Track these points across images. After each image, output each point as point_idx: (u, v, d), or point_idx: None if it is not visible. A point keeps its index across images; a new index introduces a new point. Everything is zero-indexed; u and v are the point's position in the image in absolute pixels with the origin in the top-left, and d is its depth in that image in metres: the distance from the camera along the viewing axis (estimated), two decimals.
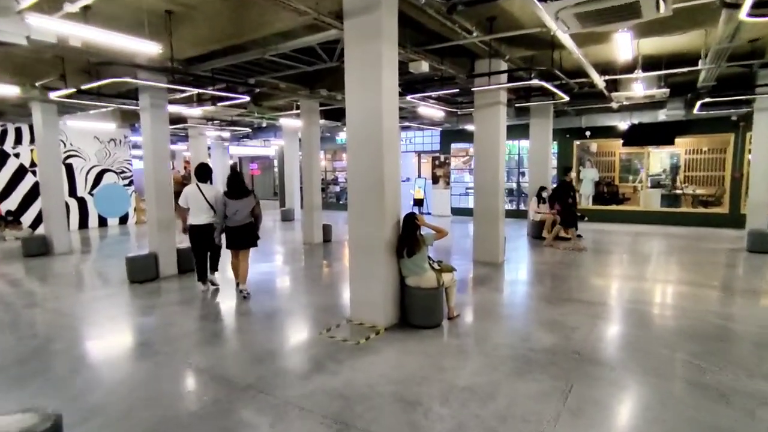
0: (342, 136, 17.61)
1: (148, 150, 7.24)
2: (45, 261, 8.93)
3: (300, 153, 17.40)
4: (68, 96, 7.60)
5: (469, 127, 13.76)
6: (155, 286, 6.80)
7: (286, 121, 13.01)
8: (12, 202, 12.48)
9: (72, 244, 10.74)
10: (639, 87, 8.11)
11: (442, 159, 16.23)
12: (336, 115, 13.14)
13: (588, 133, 13.21)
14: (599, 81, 7.68)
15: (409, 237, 4.80)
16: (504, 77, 7.53)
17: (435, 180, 16.36)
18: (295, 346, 4.55)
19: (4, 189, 12.38)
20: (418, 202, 16.64)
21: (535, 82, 7.02)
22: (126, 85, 7.92)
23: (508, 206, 15.83)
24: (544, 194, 10.78)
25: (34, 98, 9.25)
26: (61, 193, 10.05)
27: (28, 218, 12.73)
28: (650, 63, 7.84)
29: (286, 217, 15.14)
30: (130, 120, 13.39)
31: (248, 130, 14.17)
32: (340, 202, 19.41)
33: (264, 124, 14.35)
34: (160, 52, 4.88)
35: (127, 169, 14.87)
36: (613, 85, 8.72)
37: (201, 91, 7.16)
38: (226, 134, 15.80)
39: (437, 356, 4.06)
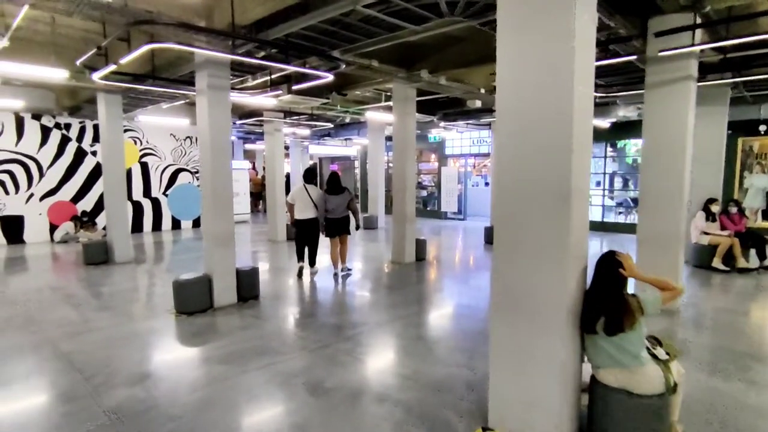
0: (435, 133, 15.52)
1: (204, 144, 5.68)
2: (99, 272, 7.80)
3: (388, 152, 15.74)
4: (117, 78, 6.29)
5: (628, 115, 11.08)
6: (207, 321, 5.18)
7: (373, 115, 11.22)
8: (88, 203, 11.88)
9: (135, 251, 9.71)
10: None
11: None
12: (430, 107, 11.11)
13: (764, 128, 10.03)
14: None
15: (608, 297, 2.64)
16: (698, 38, 5.08)
17: None
18: None
19: (80, 189, 11.81)
20: None
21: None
22: (186, 67, 6.49)
23: (621, 219, 12.90)
24: (715, 208, 7.96)
25: (99, 89, 8.23)
26: (124, 195, 8.99)
27: (103, 220, 12.09)
28: None
29: (369, 224, 13.36)
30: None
31: (330, 126, 12.58)
32: (427, 209, 17.39)
33: (347, 120, 12.70)
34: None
35: None
36: None
37: (273, 65, 5.41)
38: (306, 132, 14.38)
39: None
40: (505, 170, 2.77)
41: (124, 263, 8.50)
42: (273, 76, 7.59)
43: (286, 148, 18.74)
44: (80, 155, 11.76)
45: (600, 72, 7.00)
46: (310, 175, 7.36)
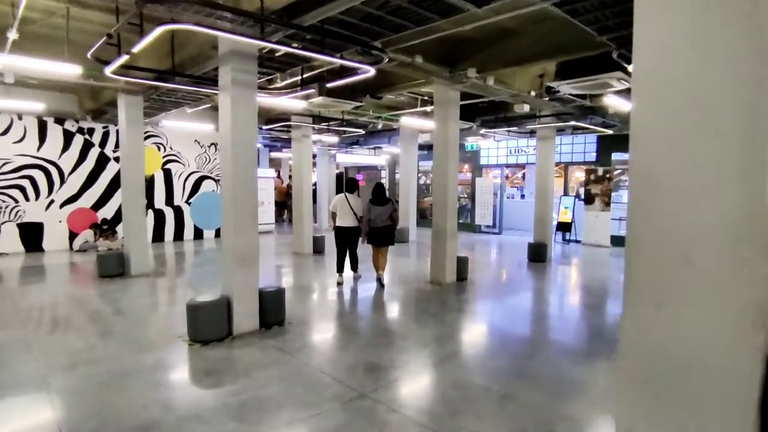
0: (472, 141, 14.59)
1: (226, 148, 4.98)
2: (113, 287, 7.18)
3: (420, 161, 14.94)
4: (134, 75, 5.68)
5: None
6: (223, 353, 4.42)
7: (408, 121, 10.45)
8: (109, 210, 11.42)
9: (154, 263, 9.12)
10: None
11: (600, 173, 12.56)
12: (469, 112, 10.26)
13: None
14: None
15: None
16: None
17: (589, 199, 12.72)
18: None
19: (101, 196, 11.37)
20: (564, 227, 13.11)
21: None
22: (209, 63, 5.84)
23: None
24: None
25: (119, 89, 7.70)
26: (142, 203, 8.41)
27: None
28: None
29: (400, 237, 12.47)
30: None
31: (361, 132, 11.87)
32: (460, 221, 16.45)
33: (379, 126, 11.97)
34: None
35: None
36: None
37: (307, 54, 4.65)
38: (334, 139, 13.73)
39: None
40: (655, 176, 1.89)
41: (141, 276, 7.88)
42: (304, 75, 6.91)
43: (313, 156, 18.17)
44: (103, 161, 11.33)
45: None
46: (351, 184, 7.65)
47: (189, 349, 4.52)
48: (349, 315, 5.94)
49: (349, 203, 7.35)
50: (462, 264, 7.78)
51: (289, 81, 7.53)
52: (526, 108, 8.54)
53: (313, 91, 6.79)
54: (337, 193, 7.19)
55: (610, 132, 10.19)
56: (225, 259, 5.09)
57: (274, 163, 23.76)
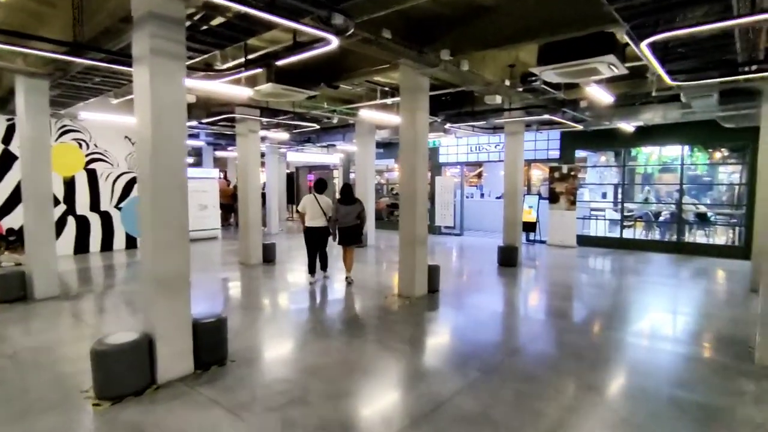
0: (434, 137, 13.75)
1: (144, 138, 3.79)
2: (8, 315, 5.75)
3: (378, 159, 13.99)
4: (27, 44, 4.39)
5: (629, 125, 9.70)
6: (140, 416, 3.27)
7: (367, 114, 9.48)
8: (16, 218, 9.68)
9: (69, 280, 7.66)
10: None
11: (564, 170, 12.14)
12: (431, 106, 9.40)
13: None
14: None
15: None
16: None
17: (553, 198, 12.27)
18: None
19: (6, 201, 9.64)
20: (529, 227, 12.61)
21: None
22: (127, 36, 4.63)
23: (655, 236, 11.42)
24: None
25: (17, 71, 6.27)
26: (48, 210, 6.93)
27: None
28: None
29: None
30: None
31: (314, 127, 10.74)
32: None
33: (335, 120, 10.92)
34: None
35: None
36: None
37: (253, 13, 3.52)
38: (284, 136, 12.53)
39: None
40: None
41: (48, 300, 6.46)
42: (249, 56, 5.80)
43: (262, 155, 16.84)
44: (7, 159, 9.61)
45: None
46: (320, 185, 7.56)
47: (93, 412, 3.34)
48: (307, 345, 4.91)
49: (318, 203, 7.31)
50: (433, 274, 6.93)
51: (232, 64, 6.37)
52: (498, 100, 7.82)
53: (260, 71, 5.70)
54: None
55: (579, 127, 9.70)
56: (144, 286, 3.93)
57: (220, 163, 22.07)
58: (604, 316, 5.99)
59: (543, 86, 7.42)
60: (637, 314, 6.13)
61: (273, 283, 7.93)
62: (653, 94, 6.77)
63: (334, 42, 3.97)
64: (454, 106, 9.91)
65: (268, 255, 9.55)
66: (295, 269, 9.08)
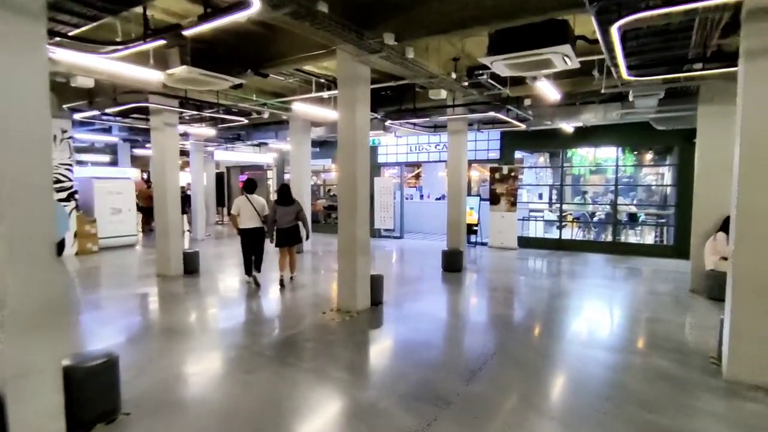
0: (373, 136, 13.04)
1: None
2: None
3: (314, 159, 13.07)
4: None
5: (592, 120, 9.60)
6: None
7: (302, 108, 8.66)
8: None
9: None
10: None
11: (505, 171, 11.97)
12: (371, 101, 8.78)
13: None
14: None
15: None
16: None
17: (494, 200, 12.07)
18: None
19: None
20: (470, 229, 12.32)
21: None
22: None
23: (590, 236, 11.53)
24: None
25: None
26: None
27: None
28: None
29: None
30: (71, 102, 8.85)
31: (242, 121, 9.69)
32: None
33: (266, 115, 9.96)
34: None
35: (66, 177, 10.37)
36: None
37: None
38: (210, 132, 11.35)
39: None
40: None
41: None
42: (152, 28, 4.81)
43: (186, 153, 15.42)
44: None
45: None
46: (250, 185, 7.45)
47: None
48: (229, 381, 4.07)
49: (252, 204, 7.23)
50: (376, 284, 6.28)
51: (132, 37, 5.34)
52: (443, 94, 7.34)
53: (172, 51, 4.77)
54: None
55: (523, 126, 9.47)
56: None
57: (141, 163, 20.14)
58: (555, 324, 5.63)
59: (489, 81, 7.02)
60: (586, 321, 5.83)
61: (194, 299, 6.91)
62: (602, 91, 6.54)
63: (255, 4, 3.18)
64: (395, 102, 9.35)
65: (191, 265, 8.46)
66: (221, 281, 8.08)
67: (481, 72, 6.75)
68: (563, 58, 5.10)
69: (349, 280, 5.98)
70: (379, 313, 6.01)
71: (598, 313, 6.22)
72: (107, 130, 13.33)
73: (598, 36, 4.07)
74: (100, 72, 5.85)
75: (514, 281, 8.28)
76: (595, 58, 5.93)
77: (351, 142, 5.89)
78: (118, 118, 9.90)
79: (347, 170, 5.97)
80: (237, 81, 6.38)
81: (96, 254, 10.65)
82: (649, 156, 12.76)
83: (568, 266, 9.57)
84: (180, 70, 5.59)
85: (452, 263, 8.80)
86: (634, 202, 12.94)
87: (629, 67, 4.92)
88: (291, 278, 7.54)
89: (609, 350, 4.75)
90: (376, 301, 6.25)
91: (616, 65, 5.05)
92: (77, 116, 8.41)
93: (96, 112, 7.77)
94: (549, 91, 6.72)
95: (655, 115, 8.64)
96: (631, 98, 6.90)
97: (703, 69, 5.35)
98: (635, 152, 12.53)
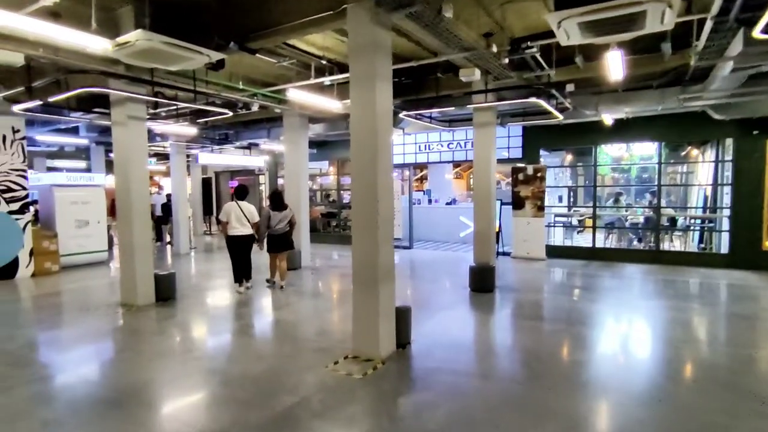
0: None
1: None
2: None
3: (312, 161, 11.47)
4: None
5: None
6: None
7: (299, 96, 7.16)
8: None
9: None
10: None
11: (530, 171, 10.52)
12: (398, 87, 7.24)
13: None
14: None
15: None
16: None
17: (518, 204, 10.61)
18: None
19: None
20: None
21: None
22: None
23: (623, 244, 10.08)
24: None
25: None
26: None
27: None
28: None
29: (290, 264, 9.03)
30: (20, 98, 7.20)
31: (227, 113, 8.04)
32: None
33: (255, 107, 8.40)
34: None
35: (19, 185, 8.76)
36: None
37: None
38: (191, 130, 9.78)
39: None
40: None
41: None
42: None
43: (166, 156, 13.84)
44: None
45: None
46: (241, 191, 7.34)
47: None
48: None
49: (242, 210, 7.07)
50: (402, 319, 4.76)
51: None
52: (477, 75, 5.86)
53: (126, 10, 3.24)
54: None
55: (560, 118, 7.99)
56: None
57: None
58: (657, 369, 4.16)
59: (537, 57, 5.57)
60: (692, 367, 4.35)
61: (159, 341, 5.30)
62: (691, 63, 5.09)
63: None
64: (412, 91, 7.85)
65: (164, 291, 6.88)
66: (201, 312, 6.52)
67: (529, 44, 5.29)
68: (664, 9, 3.69)
69: (368, 317, 4.45)
70: (407, 360, 4.49)
71: (701, 353, 4.75)
72: (74, 131, 11.70)
73: None
74: (19, 39, 4.30)
75: (569, 307, 6.68)
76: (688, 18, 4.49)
77: (370, 131, 4.36)
78: (78, 114, 8.30)
79: (365, 169, 4.44)
80: (216, 56, 4.86)
81: (56, 275, 9.02)
82: (695, 152, 11.36)
83: (616, 282, 8.11)
84: (135, 36, 4.10)
85: (482, 282, 7.28)
86: (675, 204, 11.56)
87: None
88: (281, 287, 7.44)
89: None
90: (403, 341, 4.73)
91: (747, 21, 3.60)
92: (16, 108, 6.80)
93: (38, 102, 6.15)
94: (616, 68, 5.26)
95: (722, 100, 7.24)
96: (725, 73, 5.39)
97: None
98: (676, 147, 11.17)
